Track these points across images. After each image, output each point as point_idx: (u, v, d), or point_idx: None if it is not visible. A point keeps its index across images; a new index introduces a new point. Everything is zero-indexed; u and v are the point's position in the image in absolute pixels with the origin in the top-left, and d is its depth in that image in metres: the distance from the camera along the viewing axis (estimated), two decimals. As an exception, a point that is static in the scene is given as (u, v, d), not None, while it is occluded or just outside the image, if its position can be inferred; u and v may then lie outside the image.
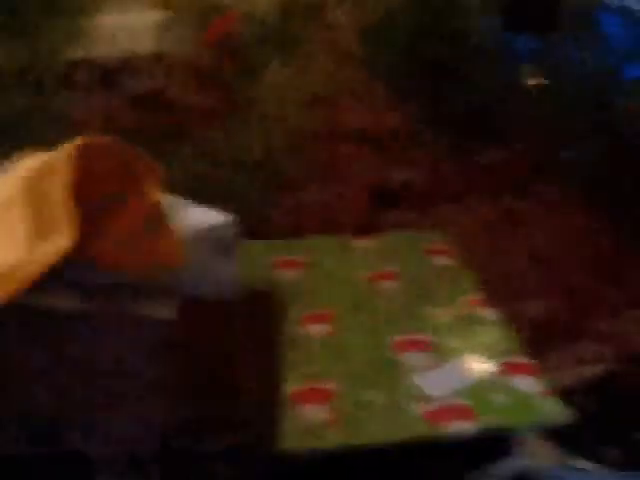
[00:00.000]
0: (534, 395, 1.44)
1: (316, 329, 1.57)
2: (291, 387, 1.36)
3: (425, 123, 2.26)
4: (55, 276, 1.01)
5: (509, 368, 1.50)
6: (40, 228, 1.08)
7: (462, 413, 1.37)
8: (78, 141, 1.16)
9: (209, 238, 1.30)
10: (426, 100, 2.28)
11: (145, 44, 2.31)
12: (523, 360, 1.53)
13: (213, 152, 1.95)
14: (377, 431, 1.31)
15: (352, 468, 1.29)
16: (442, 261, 1.86)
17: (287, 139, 2.05)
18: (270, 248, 1.83)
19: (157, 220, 1.19)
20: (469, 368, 1.49)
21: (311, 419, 1.32)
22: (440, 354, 1.53)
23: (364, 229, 2.03)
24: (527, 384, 1.47)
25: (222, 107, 2.08)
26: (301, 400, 1.36)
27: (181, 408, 1.00)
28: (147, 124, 2.03)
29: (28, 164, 1.18)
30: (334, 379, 1.43)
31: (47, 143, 1.34)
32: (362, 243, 1.90)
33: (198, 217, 1.34)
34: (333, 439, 1.29)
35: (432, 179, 2.23)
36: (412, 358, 1.51)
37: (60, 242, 1.02)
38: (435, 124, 2.25)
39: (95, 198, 1.16)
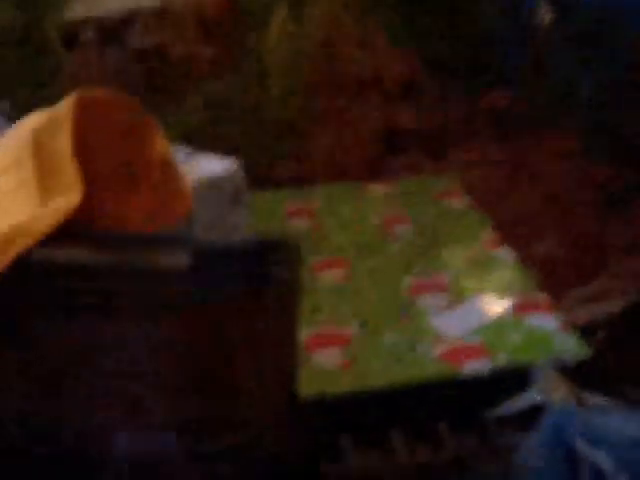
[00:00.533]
0: (550, 331, 1.44)
1: (330, 275, 1.57)
2: (306, 333, 1.36)
3: (432, 66, 2.22)
4: (65, 232, 1.01)
5: (525, 306, 1.50)
6: (48, 186, 1.07)
7: (478, 352, 1.38)
8: (77, 95, 1.14)
9: (217, 186, 1.30)
10: (433, 43, 2.23)
11: (148, -1, 2.28)
12: (538, 298, 1.53)
13: (218, 102, 1.93)
14: (394, 373, 1.32)
15: (368, 411, 1.30)
16: (455, 204, 1.84)
17: (293, 87, 2.03)
18: (280, 197, 1.83)
19: (164, 171, 1.19)
20: (485, 308, 1.49)
21: (327, 364, 1.34)
22: (456, 295, 1.53)
23: (373, 175, 2.01)
24: (543, 321, 1.47)
25: (227, 58, 2.05)
26: (316, 346, 1.37)
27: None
28: (152, 78, 2.01)
29: (32, 122, 1.17)
30: (349, 323, 1.44)
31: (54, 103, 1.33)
32: (373, 189, 1.89)
33: (204, 166, 1.34)
34: (350, 383, 1.30)
35: (441, 123, 2.20)
36: (428, 300, 1.51)
37: (69, 199, 1.02)
38: (443, 67, 2.21)
39: (98, 154, 1.15)
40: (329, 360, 1.34)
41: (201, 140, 1.54)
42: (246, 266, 0.95)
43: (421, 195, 1.87)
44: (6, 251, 0.94)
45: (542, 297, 1.53)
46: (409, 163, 2.10)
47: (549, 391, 1.34)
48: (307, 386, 1.22)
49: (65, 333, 0.97)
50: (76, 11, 2.19)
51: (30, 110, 1.33)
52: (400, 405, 1.29)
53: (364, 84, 2.09)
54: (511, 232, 1.78)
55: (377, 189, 1.89)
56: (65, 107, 1.12)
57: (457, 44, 2.10)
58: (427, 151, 2.13)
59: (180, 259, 0.94)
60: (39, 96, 1.78)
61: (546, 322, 1.47)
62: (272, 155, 1.94)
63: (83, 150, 1.11)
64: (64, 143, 1.07)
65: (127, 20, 2.32)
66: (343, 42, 2.04)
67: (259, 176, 1.73)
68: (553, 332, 1.44)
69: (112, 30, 2.32)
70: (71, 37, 2.26)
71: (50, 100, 1.33)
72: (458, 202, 1.85)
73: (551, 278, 1.66)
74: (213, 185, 1.33)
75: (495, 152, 2.07)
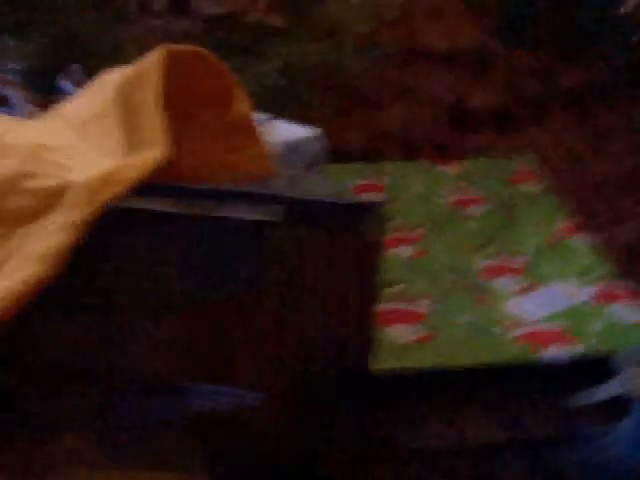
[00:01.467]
0: (632, 322, 1.38)
1: (402, 251, 1.53)
2: (380, 307, 1.32)
3: (506, 42, 2.15)
4: (151, 184, 0.98)
5: (605, 295, 1.44)
6: (134, 139, 1.05)
7: (558, 338, 1.32)
8: (166, 49, 1.12)
9: (299, 150, 1.26)
10: (507, 18, 2.16)
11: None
12: (619, 287, 1.46)
13: (288, 70, 1.89)
14: (472, 353, 1.27)
15: (442, 389, 1.26)
16: (529, 186, 1.78)
17: (364, 58, 1.98)
18: (350, 171, 1.78)
19: (247, 130, 1.16)
20: (563, 294, 1.43)
21: (402, 339, 1.30)
22: (532, 279, 1.47)
23: (444, 153, 1.95)
24: (624, 310, 1.40)
25: (298, 26, 2.01)
26: (391, 320, 1.33)
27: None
28: (223, 44, 1.98)
29: (118, 75, 1.15)
30: (424, 300, 1.39)
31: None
32: (445, 168, 1.84)
33: (286, 130, 1.31)
34: (424, 360, 1.26)
35: (514, 101, 2.13)
36: (503, 282, 1.46)
37: (158, 151, 0.99)
38: (517, 43, 2.14)
39: (184, 108, 1.12)
40: (404, 335, 1.31)
41: (271, 107, 1.50)
42: (336, 221, 0.92)
43: (495, 176, 1.80)
44: (96, 199, 0.92)
45: (623, 286, 1.47)
46: (481, 142, 2.04)
47: (630, 382, 1.28)
48: (382, 360, 1.18)
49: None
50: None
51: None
52: (475, 384, 1.25)
53: (437, 57, 2.03)
54: (589, 217, 1.71)
55: (449, 168, 1.84)
56: (152, 61, 1.09)
57: (539, 20, 2.03)
58: (500, 129, 2.06)
59: (274, 212, 0.91)
60: (114, 62, 1.76)
61: (626, 312, 1.40)
62: (342, 125, 1.89)
63: (167, 104, 1.08)
64: (152, 97, 1.05)
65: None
66: (419, 12, 1.99)
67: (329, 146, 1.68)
68: (635, 323, 1.38)
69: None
70: (142, 5, 2.25)
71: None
72: (533, 184, 1.78)
73: (631, 266, 1.59)
74: (292, 149, 1.29)
75: (572, 130, 1.99)
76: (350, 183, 1.73)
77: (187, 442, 1.03)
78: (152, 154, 0.98)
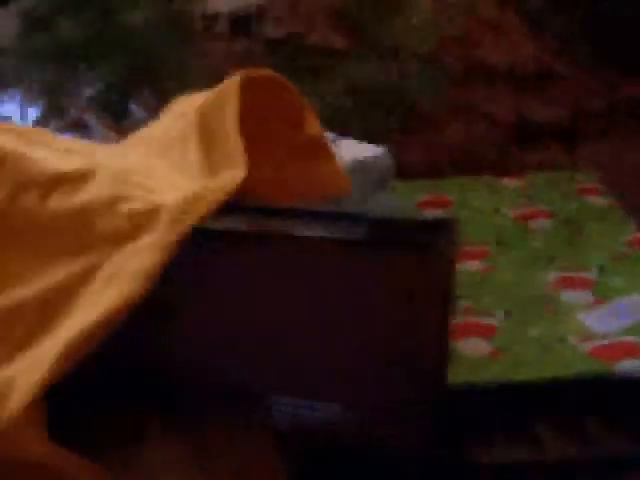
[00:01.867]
0: None
1: (469, 265, 1.54)
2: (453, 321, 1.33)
3: (566, 56, 2.15)
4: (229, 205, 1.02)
5: (679, 308, 1.42)
6: (214, 161, 1.10)
7: (632, 351, 1.31)
8: (244, 74, 1.16)
9: (367, 169, 1.29)
10: (566, 31, 2.16)
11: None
12: (693, 300, 1.44)
13: (351, 90, 1.93)
14: (544, 366, 1.27)
15: (514, 404, 1.26)
16: (596, 201, 1.77)
17: (424, 77, 2.00)
18: (412, 188, 1.80)
19: (320, 149, 1.19)
20: (634, 307, 1.42)
21: (473, 353, 1.30)
22: (603, 292, 1.46)
23: (506, 168, 1.96)
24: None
25: (358, 46, 2.05)
26: (462, 335, 1.33)
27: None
28: (285, 65, 2.03)
29: (198, 99, 1.20)
30: (494, 314, 1.40)
31: (191, 89, 1.36)
32: (509, 182, 1.84)
33: (353, 149, 1.33)
34: (497, 374, 1.27)
35: (576, 116, 2.12)
36: (573, 296, 1.45)
37: (237, 172, 1.03)
38: (577, 57, 2.13)
39: (258, 129, 1.16)
40: (476, 349, 1.31)
41: (336, 127, 1.54)
42: (416, 239, 0.94)
43: (560, 190, 1.80)
44: (185, 221, 0.96)
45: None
46: (542, 157, 2.03)
47: None
48: (455, 374, 1.19)
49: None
50: (214, 3, 2.25)
51: (170, 97, 1.37)
52: (548, 398, 1.25)
53: (496, 72, 2.04)
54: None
55: (513, 183, 1.84)
56: (231, 85, 1.14)
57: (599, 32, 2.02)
58: (561, 145, 2.06)
59: (355, 231, 0.93)
60: (181, 84, 1.82)
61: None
62: (404, 143, 1.91)
63: (242, 126, 1.12)
64: (231, 120, 1.09)
65: (259, 13, 2.36)
66: (478, 27, 2.00)
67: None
68: None
69: (244, 22, 2.36)
70: (204, 29, 2.32)
71: (189, 88, 1.36)
72: (598, 199, 1.77)
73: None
74: (360, 167, 1.32)
75: (636, 146, 1.97)
76: (415, 200, 1.75)
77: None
78: (232, 176, 1.02)
